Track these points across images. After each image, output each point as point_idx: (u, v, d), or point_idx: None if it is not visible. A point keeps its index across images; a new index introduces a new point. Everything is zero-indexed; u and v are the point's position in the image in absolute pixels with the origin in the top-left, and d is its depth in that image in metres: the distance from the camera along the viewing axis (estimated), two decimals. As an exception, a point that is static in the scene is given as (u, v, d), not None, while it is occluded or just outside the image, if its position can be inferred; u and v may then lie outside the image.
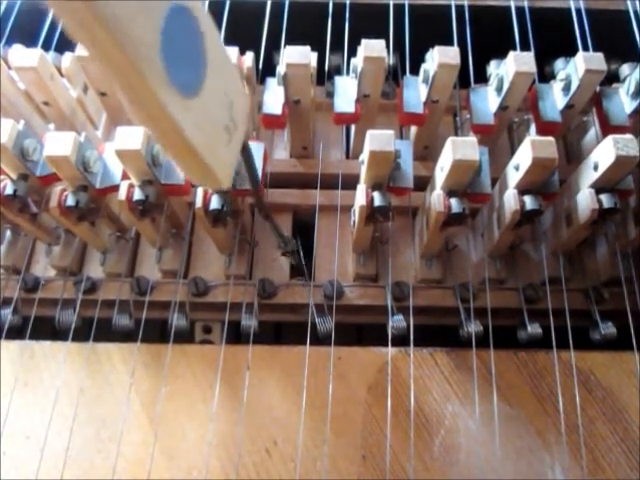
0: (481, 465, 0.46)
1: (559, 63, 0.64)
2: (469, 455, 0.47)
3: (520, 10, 0.63)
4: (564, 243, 0.52)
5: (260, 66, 0.59)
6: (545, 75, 0.64)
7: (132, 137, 0.44)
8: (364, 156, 0.46)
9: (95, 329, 0.50)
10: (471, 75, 0.57)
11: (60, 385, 0.49)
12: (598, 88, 0.53)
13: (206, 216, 0.48)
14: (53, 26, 0.60)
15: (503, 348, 0.50)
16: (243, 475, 0.46)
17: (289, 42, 0.52)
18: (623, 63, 0.62)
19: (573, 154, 0.63)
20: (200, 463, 0.46)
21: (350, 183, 0.52)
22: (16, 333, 0.52)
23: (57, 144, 0.45)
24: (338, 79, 0.54)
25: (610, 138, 0.43)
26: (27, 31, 0.60)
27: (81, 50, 0.53)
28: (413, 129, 0.61)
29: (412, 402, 0.47)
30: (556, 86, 0.54)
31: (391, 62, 0.62)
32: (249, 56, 0.57)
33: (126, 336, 0.52)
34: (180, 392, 0.49)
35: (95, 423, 0.48)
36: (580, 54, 0.50)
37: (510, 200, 0.47)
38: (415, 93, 0.54)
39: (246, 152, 0.36)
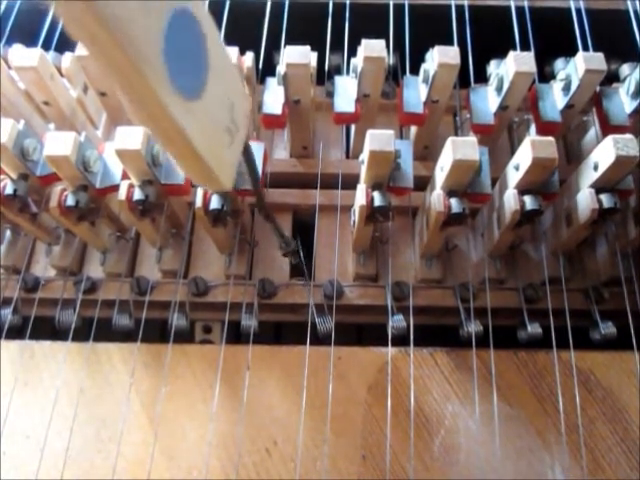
0: (481, 465, 0.46)
1: (559, 63, 0.64)
2: (469, 455, 0.47)
3: (520, 10, 0.63)
4: (564, 243, 0.52)
5: (260, 66, 0.59)
6: (545, 75, 0.64)
7: (132, 137, 0.44)
8: (364, 156, 0.46)
9: (95, 329, 0.50)
10: (471, 75, 0.57)
11: (60, 385, 0.49)
12: (598, 88, 0.53)
13: (206, 216, 0.48)
14: (53, 26, 0.60)
15: (503, 348, 0.50)
16: (243, 475, 0.46)
17: (289, 42, 0.52)
18: (623, 63, 0.62)
19: (573, 154, 0.63)
20: (200, 463, 0.46)
21: (350, 183, 0.52)
22: (16, 333, 0.52)
23: (57, 144, 0.45)
24: (338, 79, 0.54)
25: (610, 138, 0.43)
26: (27, 31, 0.60)
27: (81, 50, 0.53)
28: (413, 129, 0.61)
29: (412, 402, 0.47)
30: (556, 86, 0.54)
31: (391, 62, 0.62)
32: (249, 56, 0.57)
33: (126, 336, 0.52)
34: (180, 392, 0.49)
35: (95, 423, 0.48)
36: (580, 54, 0.50)
37: (510, 200, 0.47)
38: (415, 93, 0.54)
39: (247, 153, 0.36)
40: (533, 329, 0.51)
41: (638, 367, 0.48)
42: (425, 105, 0.53)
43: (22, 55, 0.50)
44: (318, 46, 0.56)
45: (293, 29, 0.59)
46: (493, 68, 0.62)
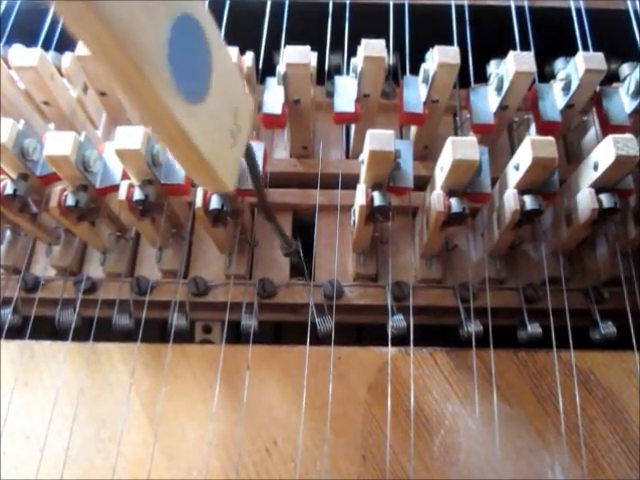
0: (481, 465, 0.46)
1: (559, 63, 0.64)
2: (469, 455, 0.47)
3: (520, 10, 0.63)
4: (564, 243, 0.52)
5: (260, 66, 0.59)
6: (545, 75, 0.64)
7: (132, 137, 0.44)
8: (364, 156, 0.46)
9: (95, 329, 0.50)
10: (471, 75, 0.57)
11: (60, 385, 0.49)
12: (598, 88, 0.53)
13: (206, 216, 0.48)
14: (53, 26, 0.60)
15: (503, 348, 0.50)
16: (243, 475, 0.46)
17: (289, 42, 0.52)
18: (623, 63, 0.62)
19: (573, 154, 0.63)
20: (200, 463, 0.46)
21: (350, 183, 0.52)
22: (16, 333, 0.52)
23: (57, 144, 0.45)
24: (338, 79, 0.54)
25: (610, 138, 0.43)
26: (27, 31, 0.60)
27: (81, 50, 0.53)
28: (413, 129, 0.61)
29: (412, 402, 0.47)
30: (556, 86, 0.54)
31: (391, 62, 0.62)
32: (249, 56, 0.57)
33: (126, 336, 0.52)
34: (180, 392, 0.49)
35: (95, 423, 0.48)
36: (580, 54, 0.50)
37: (510, 200, 0.47)
38: (415, 93, 0.54)
39: (249, 155, 0.36)
40: (533, 329, 0.51)
41: (638, 367, 0.48)
42: (425, 105, 0.53)
43: (22, 55, 0.50)
44: (318, 46, 0.56)
45: (293, 29, 0.59)
46: (493, 68, 0.62)
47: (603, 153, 0.44)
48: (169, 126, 0.25)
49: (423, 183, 0.53)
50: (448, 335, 0.53)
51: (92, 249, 0.58)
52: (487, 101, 0.54)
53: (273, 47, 0.59)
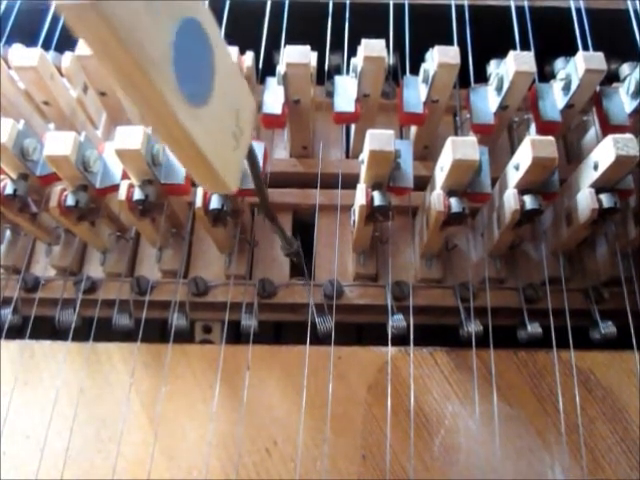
0: (481, 465, 0.46)
1: (559, 63, 0.64)
2: (469, 455, 0.47)
3: (520, 10, 0.63)
4: (564, 243, 0.52)
5: (260, 66, 0.59)
6: (545, 75, 0.64)
7: (132, 137, 0.44)
8: (364, 156, 0.46)
9: (95, 329, 0.50)
10: (471, 75, 0.57)
11: (60, 385, 0.49)
12: (598, 87, 0.53)
13: (206, 216, 0.48)
14: (53, 26, 0.60)
15: (503, 348, 0.50)
16: (243, 475, 0.46)
17: (289, 42, 0.52)
18: (623, 63, 0.62)
19: (573, 154, 0.63)
20: (200, 463, 0.46)
21: (350, 183, 0.52)
22: (16, 333, 0.52)
23: (57, 144, 0.45)
24: (338, 79, 0.54)
25: (610, 138, 0.43)
26: (27, 31, 0.60)
27: (81, 50, 0.53)
28: (413, 129, 0.61)
29: (412, 402, 0.47)
30: (556, 85, 0.54)
31: (391, 62, 0.62)
32: (249, 56, 0.57)
33: (126, 336, 0.52)
34: (180, 392, 0.49)
35: (95, 423, 0.48)
36: (580, 54, 0.50)
37: (510, 200, 0.47)
38: (415, 93, 0.54)
39: (252, 157, 0.36)
40: (533, 329, 0.51)
41: (638, 367, 0.48)
42: (425, 105, 0.53)
43: (22, 55, 0.50)
44: (318, 46, 0.56)
45: (293, 29, 0.59)
46: (493, 68, 0.62)
47: (603, 153, 0.44)
48: (173, 129, 0.25)
49: (423, 183, 0.53)
50: (448, 335, 0.53)
51: (92, 249, 0.58)
52: (487, 101, 0.54)
53: (273, 47, 0.59)
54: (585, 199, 0.46)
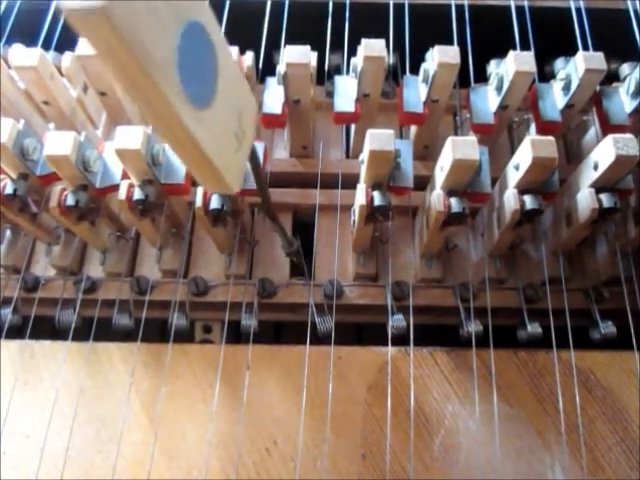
0: (481, 465, 0.46)
1: (559, 62, 0.64)
2: (469, 455, 0.47)
3: (520, 9, 0.63)
4: (564, 243, 0.52)
5: (260, 65, 0.59)
6: (545, 74, 0.64)
7: (132, 137, 0.44)
8: (364, 155, 0.46)
9: (95, 329, 0.50)
10: (471, 74, 0.57)
11: (60, 385, 0.49)
12: (598, 87, 0.53)
13: (206, 216, 0.48)
14: (53, 26, 0.60)
15: (503, 348, 0.50)
16: (243, 475, 0.46)
17: (289, 42, 0.52)
18: (623, 62, 0.62)
19: (573, 153, 0.63)
20: (200, 463, 0.46)
21: (350, 182, 0.52)
22: (16, 333, 0.52)
23: (57, 143, 0.45)
24: (338, 78, 0.54)
25: (610, 137, 0.43)
26: (27, 31, 0.60)
27: (81, 50, 0.53)
28: (413, 128, 0.61)
29: (412, 402, 0.47)
30: (556, 85, 0.54)
31: (391, 61, 0.62)
32: (249, 55, 0.57)
33: (126, 336, 0.52)
34: (180, 392, 0.49)
35: (95, 423, 0.48)
36: (580, 53, 0.50)
37: (510, 200, 0.47)
38: (415, 92, 0.54)
39: (254, 158, 0.37)
40: (533, 329, 0.51)
41: (638, 367, 0.48)
42: (425, 105, 0.53)
43: (22, 55, 0.50)
44: (318, 46, 0.56)
45: (293, 29, 0.59)
46: (493, 68, 0.62)
47: (603, 153, 0.44)
48: (177, 131, 0.25)
49: (423, 183, 0.53)
50: (448, 335, 0.53)
51: (92, 249, 0.58)
52: (487, 101, 0.54)
53: (273, 47, 0.59)
54: (585, 199, 0.46)
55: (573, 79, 0.51)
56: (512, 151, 0.55)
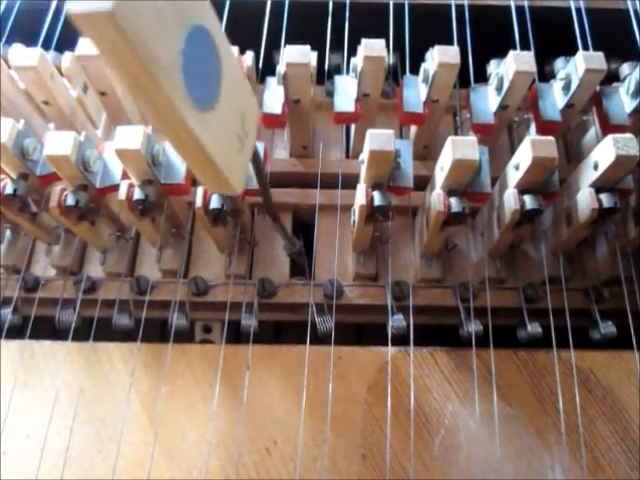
0: (481, 465, 0.46)
1: (559, 62, 0.64)
2: (469, 455, 0.47)
3: (520, 9, 0.63)
4: (564, 242, 0.52)
5: (260, 65, 0.59)
6: (545, 74, 0.64)
7: (132, 137, 0.44)
8: (364, 155, 0.46)
9: (95, 329, 0.50)
10: (471, 74, 0.57)
11: (60, 385, 0.49)
12: (598, 87, 0.53)
13: (206, 215, 0.48)
14: (53, 26, 0.60)
15: (503, 348, 0.50)
16: (243, 475, 0.46)
17: (289, 41, 0.52)
18: (623, 62, 0.62)
19: (573, 153, 0.63)
20: (200, 463, 0.46)
21: (350, 182, 0.52)
22: (16, 333, 0.52)
23: (57, 143, 0.45)
24: (338, 78, 0.54)
25: (610, 137, 0.43)
26: (27, 30, 0.60)
27: (81, 49, 0.53)
28: (413, 128, 0.61)
29: (412, 402, 0.47)
30: (556, 85, 0.54)
31: (391, 61, 0.62)
32: (249, 55, 0.57)
33: (126, 336, 0.52)
34: (180, 392, 0.49)
35: (95, 423, 0.48)
36: (580, 53, 0.50)
37: (510, 199, 0.47)
38: (415, 92, 0.54)
39: (256, 159, 0.37)
40: (533, 329, 0.51)
41: (638, 367, 0.48)
42: (425, 105, 0.53)
43: (22, 55, 0.50)
44: (318, 46, 0.56)
45: (293, 28, 0.59)
46: (493, 68, 0.62)
47: (603, 153, 0.44)
48: (182, 134, 0.26)
49: (423, 183, 0.53)
50: (448, 335, 0.53)
51: (92, 249, 0.58)
52: (487, 101, 0.54)
53: (273, 47, 0.59)
54: (585, 199, 0.46)
55: (573, 79, 0.51)
56: (512, 151, 0.55)
